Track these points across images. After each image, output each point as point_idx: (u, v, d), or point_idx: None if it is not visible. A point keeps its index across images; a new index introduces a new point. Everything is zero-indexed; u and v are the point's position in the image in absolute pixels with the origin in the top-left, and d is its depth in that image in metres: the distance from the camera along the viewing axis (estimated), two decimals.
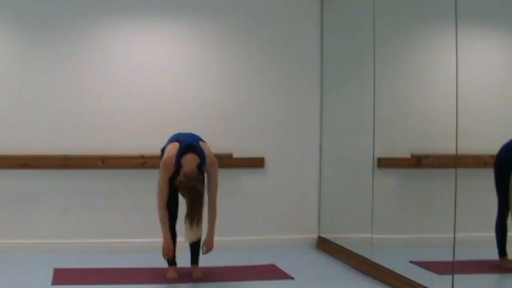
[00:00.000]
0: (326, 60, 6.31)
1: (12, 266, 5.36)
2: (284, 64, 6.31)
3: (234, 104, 6.22)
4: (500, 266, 4.36)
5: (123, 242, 5.97)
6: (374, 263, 5.25)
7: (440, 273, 4.53)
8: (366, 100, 5.38)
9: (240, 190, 6.23)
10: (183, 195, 4.88)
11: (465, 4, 4.21)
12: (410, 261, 4.90)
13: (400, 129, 5.13)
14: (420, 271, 4.75)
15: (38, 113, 5.88)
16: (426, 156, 4.86)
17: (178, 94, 6.12)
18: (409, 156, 4.98)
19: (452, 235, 4.22)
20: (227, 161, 5.97)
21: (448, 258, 4.26)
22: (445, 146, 4.38)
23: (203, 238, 5.08)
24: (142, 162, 5.95)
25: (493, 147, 4.27)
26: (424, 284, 4.57)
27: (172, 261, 5.16)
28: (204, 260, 5.28)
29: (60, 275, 5.15)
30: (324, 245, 6.21)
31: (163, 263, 5.20)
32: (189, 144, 4.98)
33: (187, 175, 4.85)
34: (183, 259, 5.20)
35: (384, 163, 5.29)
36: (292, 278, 5.26)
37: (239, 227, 6.19)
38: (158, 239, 5.13)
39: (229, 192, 5.89)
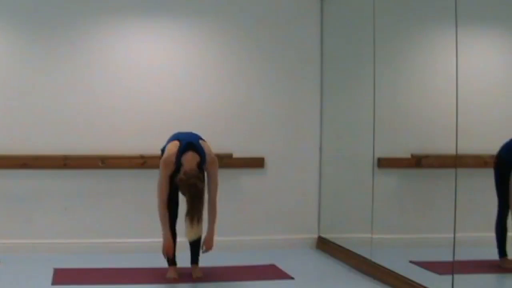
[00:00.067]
0: (326, 60, 6.31)
1: (12, 266, 5.36)
2: (284, 64, 6.31)
3: (234, 104, 6.22)
4: (500, 266, 4.36)
5: (123, 242, 5.97)
6: (374, 263, 5.25)
7: (440, 273, 4.53)
8: (366, 100, 5.38)
9: (240, 190, 6.23)
10: (183, 193, 4.88)
11: (465, 4, 4.21)
12: (410, 261, 4.90)
13: (400, 129, 5.13)
14: (420, 271, 4.75)
15: (38, 113, 5.88)
16: (426, 156, 4.85)
17: (178, 94, 6.12)
18: (409, 156, 4.98)
19: (452, 235, 4.22)
20: (227, 161, 5.97)
21: (448, 258, 4.26)
22: (445, 146, 4.38)
23: (203, 237, 5.08)
24: (142, 162, 5.96)
25: (493, 147, 4.27)
26: (424, 284, 4.57)
27: (172, 261, 5.16)
28: (204, 260, 5.28)
29: (60, 275, 5.15)
30: (324, 245, 6.21)
31: (163, 263, 5.20)
32: (189, 142, 4.99)
33: (187, 173, 4.85)
34: (183, 259, 5.20)
35: (384, 163, 5.29)
36: (292, 278, 5.26)
37: (239, 227, 6.19)
38: (158, 239, 5.13)
39: (229, 192, 5.89)
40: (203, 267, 5.26)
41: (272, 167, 6.30)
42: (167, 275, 5.14)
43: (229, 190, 5.83)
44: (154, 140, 5.64)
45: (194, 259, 5.23)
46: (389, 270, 5.02)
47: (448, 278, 4.26)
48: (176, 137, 5.11)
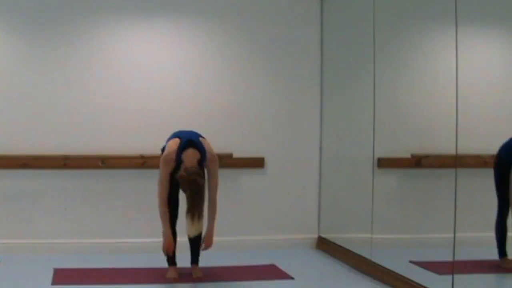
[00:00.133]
0: (326, 60, 6.31)
1: (12, 266, 5.36)
2: (284, 64, 6.31)
3: (234, 104, 6.23)
4: (500, 266, 4.36)
5: (123, 242, 5.97)
6: (374, 263, 5.25)
7: (440, 273, 4.53)
8: (366, 100, 5.38)
9: (240, 190, 6.23)
10: (184, 190, 4.88)
11: (465, 4, 4.21)
12: (410, 261, 4.90)
13: (400, 129, 5.13)
14: (420, 271, 4.75)
15: (38, 113, 5.88)
16: (426, 156, 4.85)
17: (178, 94, 6.12)
18: (409, 156, 4.98)
19: (452, 235, 4.22)
20: (227, 161, 5.97)
21: (448, 258, 4.26)
22: (445, 146, 4.38)
23: (203, 234, 5.08)
24: (142, 162, 5.96)
25: (493, 147, 4.27)
26: (424, 284, 4.57)
27: (172, 261, 5.16)
28: (204, 260, 5.28)
29: (60, 275, 5.15)
30: (324, 245, 6.21)
31: (163, 263, 5.20)
32: (189, 139, 5.00)
33: (188, 170, 4.86)
34: (183, 259, 5.21)
35: (384, 163, 5.29)
36: (292, 278, 5.26)
37: (239, 227, 6.19)
38: (158, 239, 5.13)
39: (229, 192, 5.89)
40: (203, 267, 5.26)
41: (272, 167, 6.30)
42: (167, 275, 5.14)
43: (229, 190, 5.84)
44: (154, 140, 5.64)
45: (194, 259, 5.23)
46: (389, 270, 5.02)
47: (448, 278, 4.26)
48: (176, 135, 5.12)
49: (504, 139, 4.22)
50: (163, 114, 6.04)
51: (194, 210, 4.77)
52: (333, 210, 6.21)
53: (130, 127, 6.01)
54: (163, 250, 5.10)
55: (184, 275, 5.17)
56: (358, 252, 5.54)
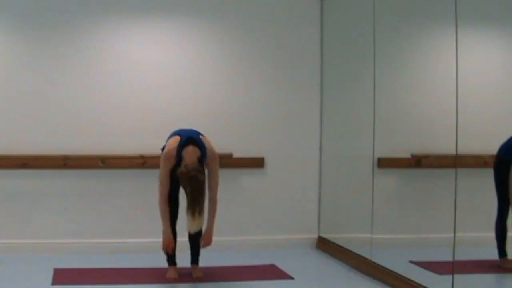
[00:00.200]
0: (326, 60, 6.31)
1: (12, 266, 5.36)
2: (284, 64, 6.31)
3: (234, 104, 6.23)
4: (500, 266, 4.36)
5: (123, 242, 5.97)
6: (374, 263, 5.25)
7: (440, 273, 4.53)
8: (366, 100, 5.38)
9: (240, 190, 6.23)
10: (184, 186, 4.88)
11: (465, 4, 4.21)
12: (410, 261, 4.90)
13: (400, 129, 5.13)
14: (420, 271, 4.75)
15: (38, 113, 5.88)
16: (426, 156, 4.85)
17: (178, 94, 6.12)
18: (409, 156, 4.98)
19: (452, 235, 4.22)
20: (227, 161, 5.97)
21: (448, 258, 4.26)
22: (445, 146, 4.38)
23: (203, 231, 5.07)
24: (142, 162, 5.96)
25: (493, 147, 4.27)
26: (424, 284, 4.57)
27: (172, 261, 5.16)
28: (204, 260, 5.28)
29: (60, 275, 5.15)
30: (324, 245, 6.21)
31: (163, 263, 5.20)
32: (189, 137, 5.01)
33: (188, 166, 4.86)
34: (183, 259, 5.21)
35: (384, 163, 5.29)
36: (292, 278, 5.26)
37: (239, 227, 6.19)
38: (158, 239, 5.13)
39: (229, 192, 5.89)
40: (203, 267, 5.26)
41: (272, 167, 6.30)
42: (167, 275, 5.14)
43: (229, 190, 5.83)
44: (154, 140, 5.64)
45: (194, 259, 5.23)
46: (389, 270, 5.02)
47: (448, 278, 4.26)
48: (177, 133, 5.13)
49: (504, 139, 4.22)
50: (163, 114, 6.04)
51: (195, 206, 4.76)
52: (333, 210, 6.21)
53: (130, 127, 6.02)
54: (163, 249, 5.11)
55: (184, 275, 5.17)
56: (358, 252, 5.54)
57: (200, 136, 5.08)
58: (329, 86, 6.27)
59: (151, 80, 6.06)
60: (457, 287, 4.22)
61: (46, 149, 5.86)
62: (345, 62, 6.02)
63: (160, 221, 5.05)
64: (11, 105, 5.85)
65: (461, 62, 4.22)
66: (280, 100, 6.31)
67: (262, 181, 6.28)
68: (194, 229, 4.88)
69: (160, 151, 5.20)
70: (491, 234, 4.34)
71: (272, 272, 5.46)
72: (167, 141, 5.14)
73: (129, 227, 5.99)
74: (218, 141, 5.40)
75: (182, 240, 5.12)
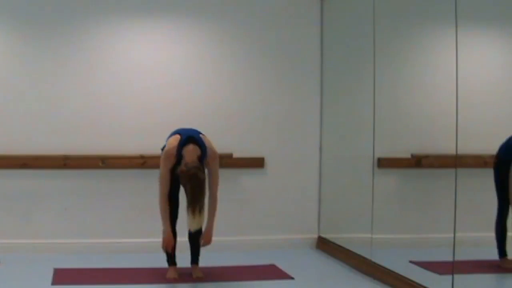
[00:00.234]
0: (326, 60, 6.31)
1: (12, 266, 5.36)
2: (284, 64, 6.31)
3: (234, 104, 6.23)
4: (500, 266, 4.36)
5: (123, 242, 5.97)
6: (374, 263, 5.25)
7: (440, 273, 4.53)
8: (366, 100, 5.38)
9: (240, 190, 6.23)
10: (184, 185, 4.88)
11: (465, 4, 4.21)
12: (410, 261, 4.90)
13: (400, 129, 5.13)
14: (420, 271, 4.75)
15: (38, 113, 5.88)
16: (426, 156, 4.85)
17: (178, 94, 6.12)
18: (409, 156, 4.98)
19: (452, 235, 4.22)
20: (227, 161, 5.97)
21: (448, 258, 4.26)
22: (445, 146, 4.38)
23: (203, 230, 5.07)
24: (142, 162, 5.96)
25: (493, 147, 4.27)
26: (424, 284, 4.57)
27: (172, 261, 5.16)
28: (204, 260, 5.28)
29: (60, 275, 5.15)
30: (324, 245, 6.21)
31: (163, 263, 5.20)
32: (190, 136, 5.01)
33: (188, 164, 4.86)
34: (183, 259, 5.21)
35: (384, 163, 5.29)
36: (292, 278, 5.26)
37: (239, 227, 6.19)
38: (158, 239, 5.13)
39: (229, 192, 5.88)
40: (203, 267, 5.26)
41: (272, 167, 6.30)
42: (167, 275, 5.14)
43: (229, 190, 5.83)
44: (154, 140, 5.64)
45: (194, 259, 5.23)
46: (389, 270, 5.02)
47: (448, 278, 4.26)
48: (177, 132, 5.13)
49: (504, 139, 4.22)
50: (163, 114, 6.04)
51: (195, 204, 4.76)
52: (333, 210, 6.21)
53: (130, 127, 6.02)
54: (163, 248, 5.11)
55: (184, 275, 5.17)
56: (358, 252, 5.54)
57: (200, 135, 5.08)
58: (329, 86, 6.27)
59: (151, 80, 6.06)
60: (457, 287, 4.22)
61: (46, 149, 5.86)
62: (345, 62, 6.02)
63: (160, 221, 5.05)
64: (11, 105, 5.85)
65: (461, 62, 4.22)
66: (280, 100, 6.31)
67: (262, 181, 6.28)
68: (194, 227, 4.88)
69: (160, 151, 5.21)
70: (491, 234, 4.34)
71: (272, 272, 5.46)
72: (167, 140, 5.15)
73: (129, 227, 5.99)
74: (218, 141, 5.39)
75: (182, 240, 5.12)
